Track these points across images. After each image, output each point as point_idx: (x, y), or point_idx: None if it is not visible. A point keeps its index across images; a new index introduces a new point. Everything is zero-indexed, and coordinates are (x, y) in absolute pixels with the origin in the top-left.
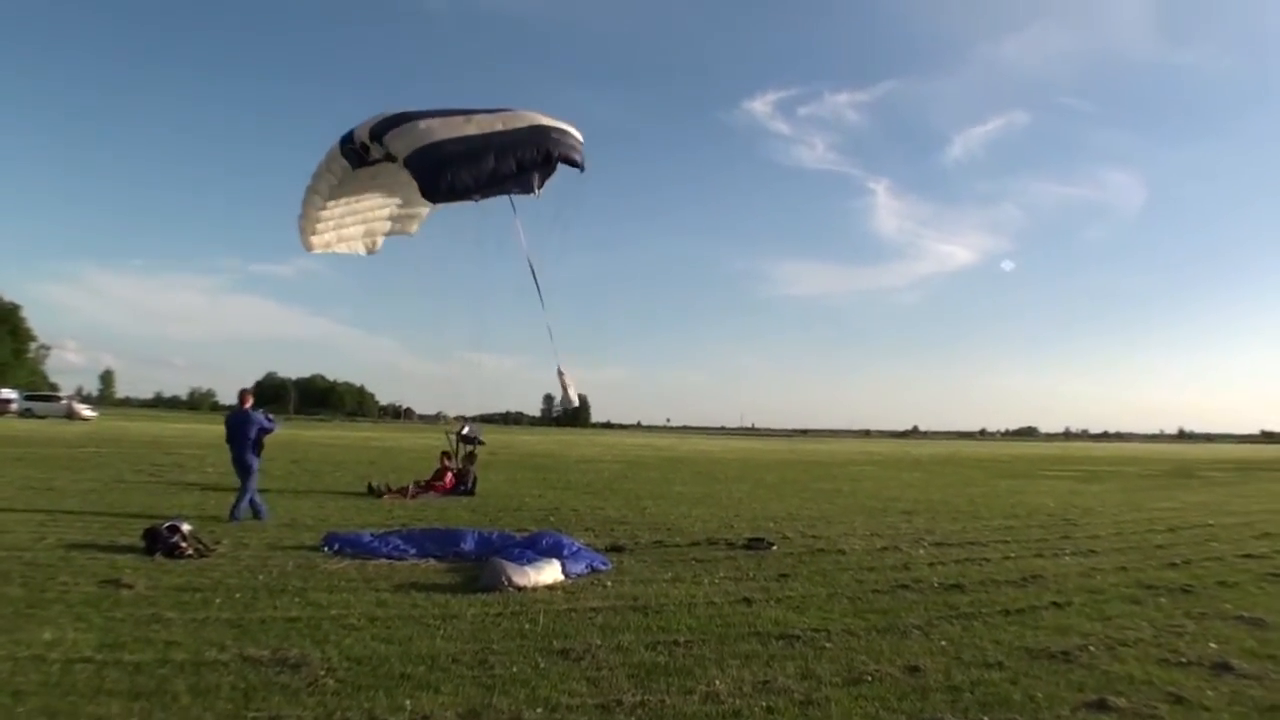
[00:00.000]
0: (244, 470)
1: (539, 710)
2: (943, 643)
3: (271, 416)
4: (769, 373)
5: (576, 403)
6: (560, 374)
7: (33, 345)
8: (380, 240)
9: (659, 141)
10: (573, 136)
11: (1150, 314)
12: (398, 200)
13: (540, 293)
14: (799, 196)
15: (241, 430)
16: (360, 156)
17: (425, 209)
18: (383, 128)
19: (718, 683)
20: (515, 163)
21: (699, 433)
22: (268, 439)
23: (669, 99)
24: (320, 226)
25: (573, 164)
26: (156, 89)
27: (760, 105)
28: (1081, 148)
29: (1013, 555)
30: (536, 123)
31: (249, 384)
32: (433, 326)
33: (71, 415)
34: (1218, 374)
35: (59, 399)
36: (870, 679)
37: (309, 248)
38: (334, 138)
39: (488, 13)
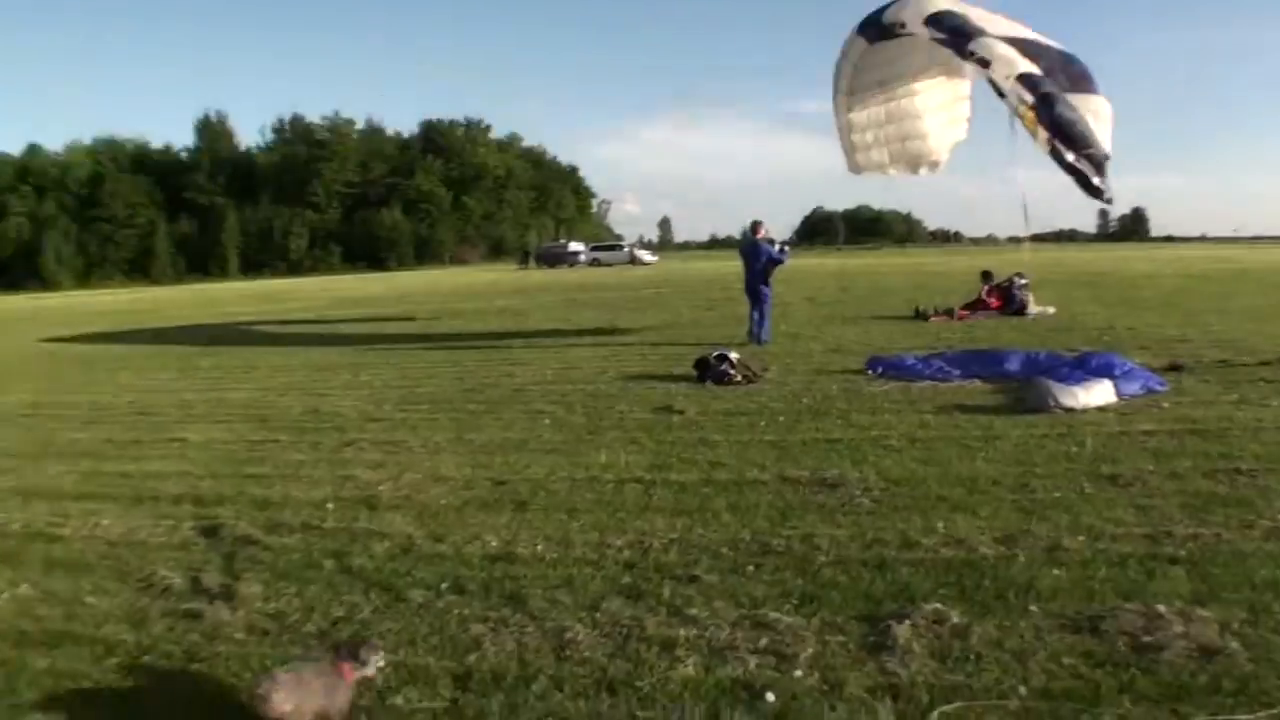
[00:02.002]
0: (753, 296)
1: (1080, 538)
2: None
3: (785, 249)
4: None
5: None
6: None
7: (594, 201)
8: (942, 158)
9: None
10: None
11: None
12: (945, 97)
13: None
14: None
15: (752, 259)
16: (886, 32)
17: (968, 105)
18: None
19: None
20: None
21: (1272, 242)
22: (778, 270)
23: None
24: (856, 140)
25: None
26: None
27: None
28: None
29: None
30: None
31: (796, 221)
32: (971, 144)
33: (634, 261)
34: None
35: (621, 248)
36: None
37: (853, 169)
38: None
39: None
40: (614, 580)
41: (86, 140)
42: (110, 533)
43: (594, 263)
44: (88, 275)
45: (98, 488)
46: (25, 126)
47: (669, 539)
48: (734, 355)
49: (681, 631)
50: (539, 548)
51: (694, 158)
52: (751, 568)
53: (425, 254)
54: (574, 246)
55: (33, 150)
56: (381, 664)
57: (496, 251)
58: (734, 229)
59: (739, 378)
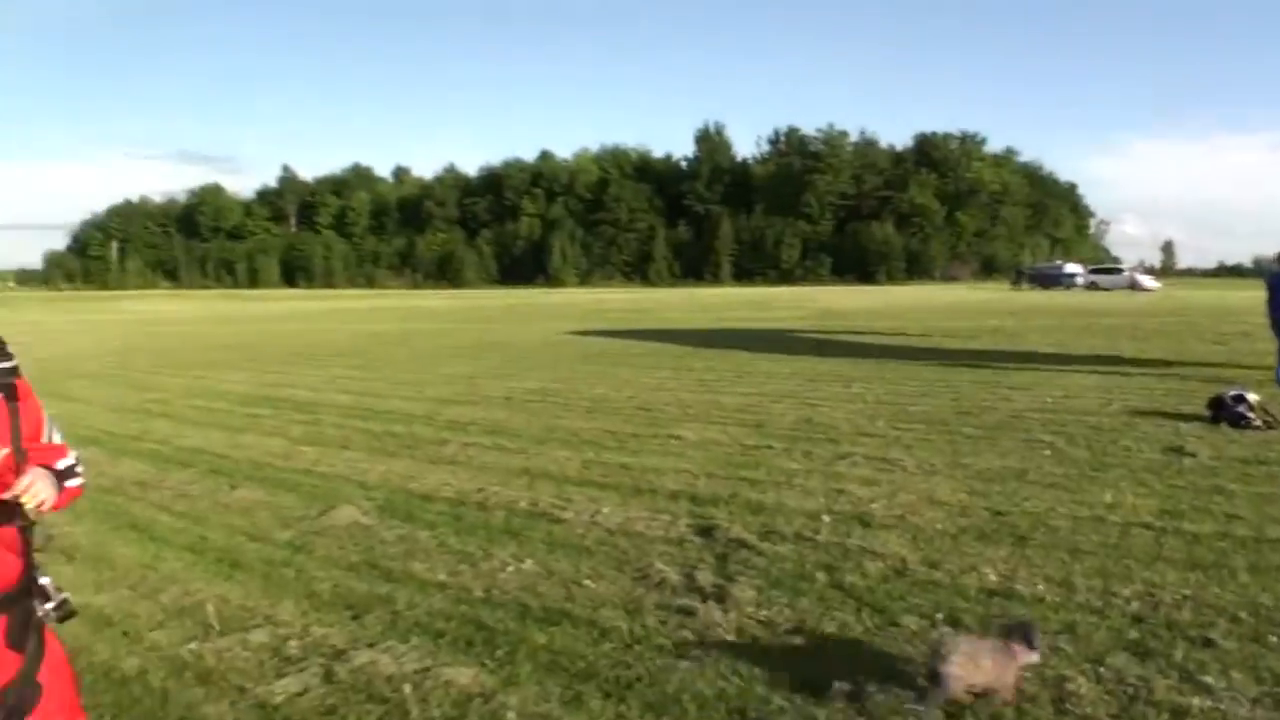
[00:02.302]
0: (1278, 332)
1: None
2: None
3: None
4: None
5: None
6: None
7: (1092, 221)
8: None
9: None
10: None
11: None
12: None
13: None
14: None
15: (1278, 291)
16: None
17: None
18: None
19: None
20: None
21: None
22: None
23: None
24: None
25: None
26: None
27: None
28: None
29: None
30: None
31: None
32: None
33: (1134, 287)
34: None
35: (1120, 271)
36: None
37: None
38: None
39: None
40: (1120, 633)
41: (593, 148)
42: (609, 520)
43: (1091, 286)
44: (589, 274)
45: (598, 476)
46: (539, 135)
47: (1181, 594)
48: (1252, 397)
49: (1195, 700)
50: (1039, 587)
51: (1203, 177)
52: (1274, 639)
53: (916, 269)
54: (1070, 268)
55: (544, 157)
56: (1043, 649)
57: (988, 269)
58: (1244, 256)
59: (1258, 422)
